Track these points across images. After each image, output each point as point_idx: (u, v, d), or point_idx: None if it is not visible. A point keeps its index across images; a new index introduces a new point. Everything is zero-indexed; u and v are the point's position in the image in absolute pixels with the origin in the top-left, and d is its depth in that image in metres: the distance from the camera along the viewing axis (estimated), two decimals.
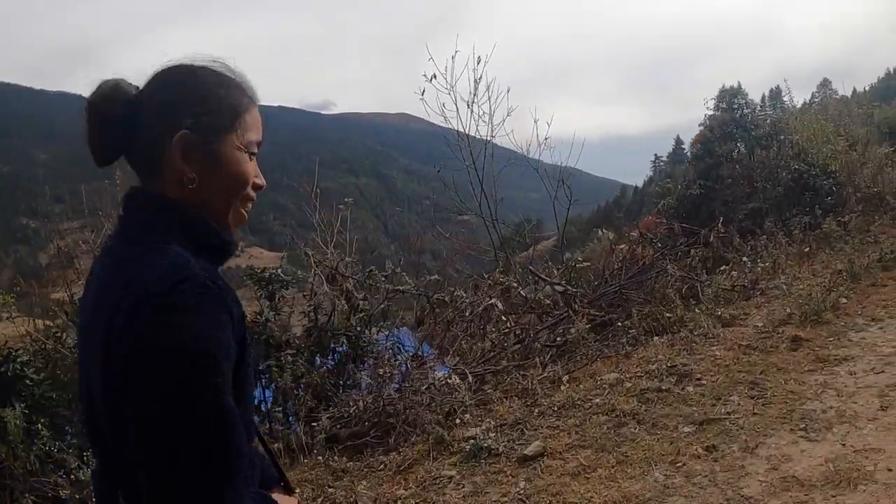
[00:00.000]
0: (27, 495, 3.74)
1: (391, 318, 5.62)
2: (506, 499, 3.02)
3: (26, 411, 4.00)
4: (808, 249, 7.00)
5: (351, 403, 4.29)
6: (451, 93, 6.66)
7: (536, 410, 3.88)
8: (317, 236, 5.85)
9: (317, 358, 4.99)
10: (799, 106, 15.23)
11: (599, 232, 6.64)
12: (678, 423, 3.46)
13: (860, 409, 3.44)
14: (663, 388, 3.89)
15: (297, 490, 1.59)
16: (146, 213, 1.02)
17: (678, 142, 41.09)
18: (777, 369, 4.04)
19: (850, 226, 7.42)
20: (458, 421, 3.89)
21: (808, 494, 2.71)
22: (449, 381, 4.02)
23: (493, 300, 5.03)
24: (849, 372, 3.94)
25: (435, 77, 6.61)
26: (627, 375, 4.18)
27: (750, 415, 3.46)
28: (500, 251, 6.41)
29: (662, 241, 6.63)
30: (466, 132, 6.65)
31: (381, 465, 3.70)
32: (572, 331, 4.85)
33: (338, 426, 4.29)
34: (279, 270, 5.27)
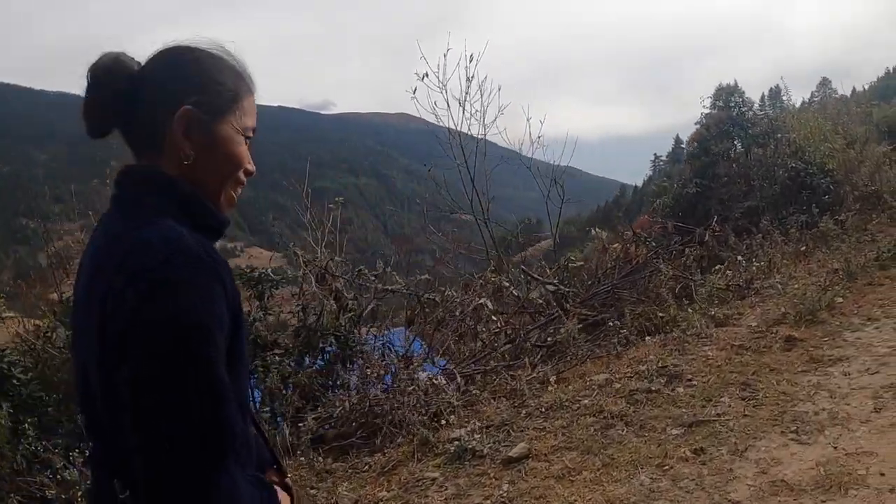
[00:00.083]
0: (13, 495, 3.70)
1: (382, 317, 5.56)
2: (488, 502, 2.96)
3: (12, 411, 3.96)
4: (804, 248, 6.94)
5: (337, 404, 4.23)
6: (443, 91, 6.61)
7: (524, 411, 3.81)
8: (308, 235, 5.80)
9: (306, 358, 4.93)
10: (798, 105, 15.18)
11: (592, 231, 6.56)
12: (667, 424, 3.39)
13: (853, 410, 3.36)
14: (653, 389, 3.81)
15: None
16: (144, 188, 1.02)
17: (678, 141, 41.01)
18: (770, 370, 3.97)
19: (847, 224, 7.35)
20: (443, 422, 3.82)
21: (797, 499, 2.63)
22: (435, 381, 3.95)
23: (482, 300, 4.96)
24: (843, 373, 3.86)
25: (427, 75, 6.56)
26: (617, 376, 4.11)
27: (740, 416, 3.39)
28: (493, 250, 6.34)
29: (657, 241, 6.56)
30: (458, 130, 6.60)
31: (366, 467, 3.65)
32: (562, 331, 4.78)
33: (324, 427, 4.23)
34: (269, 270, 5.21)
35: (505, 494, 2.97)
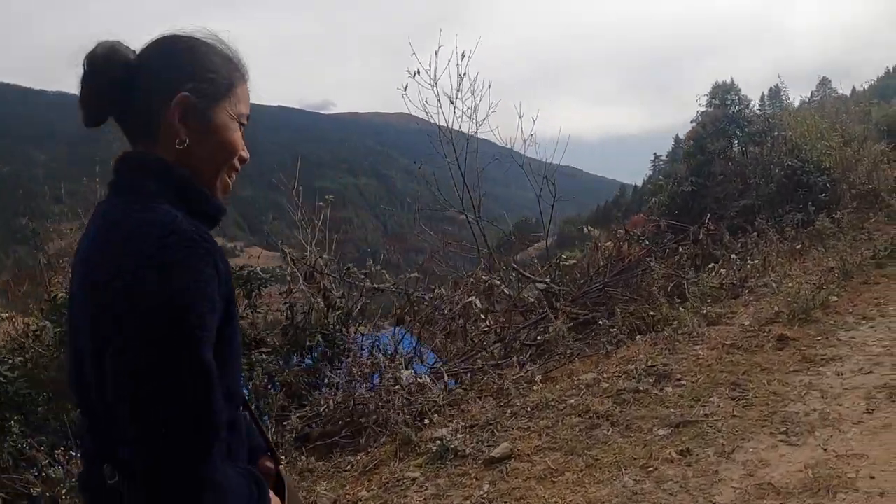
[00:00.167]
0: None
1: (371, 316, 5.50)
2: (468, 502, 2.88)
3: None
4: (800, 247, 6.85)
5: (322, 402, 4.17)
6: (434, 88, 6.54)
7: (509, 411, 3.74)
8: (299, 234, 5.74)
9: (293, 356, 4.87)
10: (797, 105, 15.11)
11: (585, 230, 6.49)
12: (653, 425, 3.31)
13: (845, 411, 3.28)
14: (641, 388, 3.73)
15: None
16: (141, 174, 1.03)
17: (677, 141, 40.89)
18: (761, 369, 3.89)
19: (843, 222, 7.26)
20: (427, 422, 3.75)
21: (783, 502, 2.56)
22: (419, 380, 3.88)
23: (471, 298, 4.88)
24: (835, 372, 3.78)
25: (419, 73, 6.49)
26: (605, 375, 4.03)
27: (729, 417, 3.31)
28: (484, 248, 6.27)
29: (650, 239, 6.48)
30: (450, 127, 6.52)
31: (349, 466, 3.59)
32: (551, 330, 4.71)
33: (310, 426, 4.18)
34: (258, 268, 5.16)
35: (485, 495, 2.90)
